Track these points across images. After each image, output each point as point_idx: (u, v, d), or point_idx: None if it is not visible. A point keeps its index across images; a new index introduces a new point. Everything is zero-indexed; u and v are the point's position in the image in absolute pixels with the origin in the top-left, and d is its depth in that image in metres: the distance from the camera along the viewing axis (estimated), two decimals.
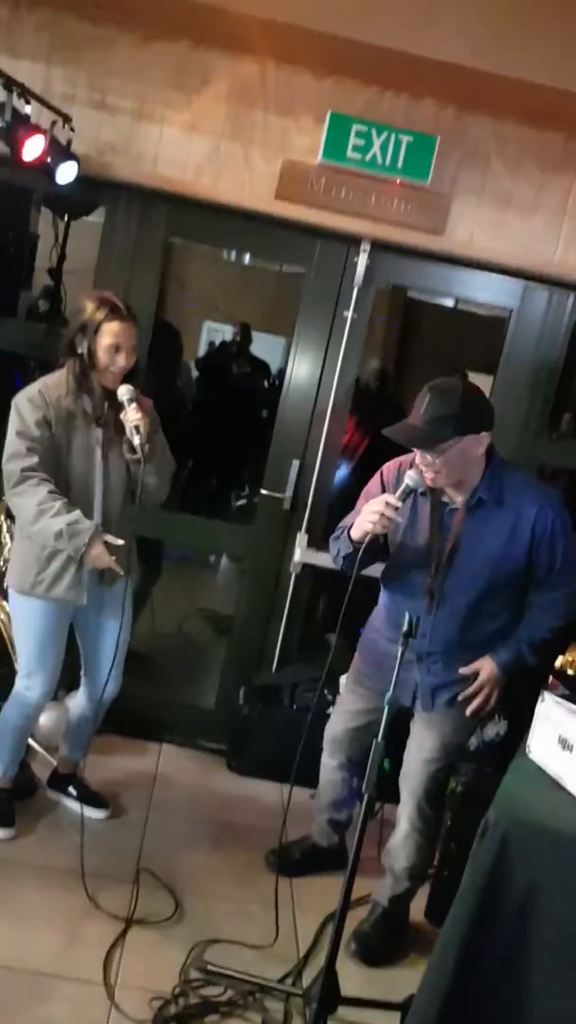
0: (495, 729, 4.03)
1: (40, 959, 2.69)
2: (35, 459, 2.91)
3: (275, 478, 4.12)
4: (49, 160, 3.40)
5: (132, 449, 2.93)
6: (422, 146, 3.63)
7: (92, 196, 3.97)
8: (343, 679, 4.01)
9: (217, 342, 7.52)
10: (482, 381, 5.65)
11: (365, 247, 3.89)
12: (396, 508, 2.64)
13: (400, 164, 3.65)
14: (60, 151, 3.44)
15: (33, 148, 3.29)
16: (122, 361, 2.94)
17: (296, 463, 4.08)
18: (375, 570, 3.04)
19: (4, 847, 3.17)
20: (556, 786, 2.24)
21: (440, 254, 3.86)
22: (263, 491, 4.14)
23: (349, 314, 3.96)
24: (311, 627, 4.37)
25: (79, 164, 3.51)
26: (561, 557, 2.76)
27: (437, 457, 2.61)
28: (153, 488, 3.09)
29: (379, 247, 3.90)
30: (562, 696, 2.39)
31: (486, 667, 2.84)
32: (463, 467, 2.68)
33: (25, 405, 2.94)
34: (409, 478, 2.67)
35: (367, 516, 2.65)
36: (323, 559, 4.07)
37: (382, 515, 2.62)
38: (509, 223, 3.78)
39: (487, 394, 4.12)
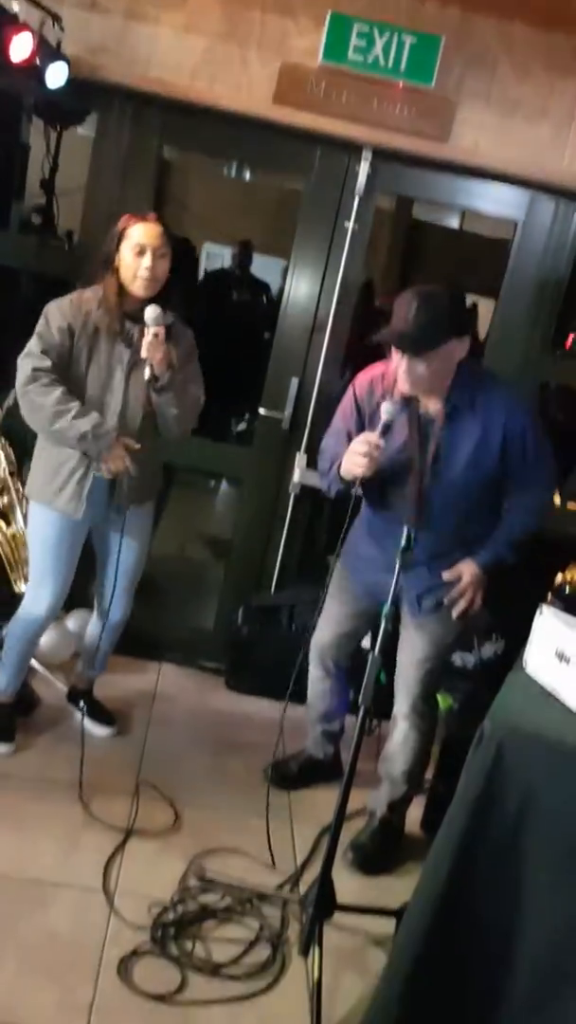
0: (492, 648, 4.05)
1: (40, 868, 2.72)
2: (48, 362, 2.89)
3: (274, 397, 4.06)
4: (38, 61, 3.28)
5: (152, 377, 2.89)
6: (426, 47, 3.50)
7: (84, 102, 3.84)
8: None
9: (217, 264, 7.37)
10: (485, 305, 5.59)
11: (367, 154, 3.77)
12: (379, 446, 2.63)
13: (403, 67, 3.52)
14: (49, 52, 3.33)
15: (21, 47, 3.17)
16: (148, 262, 2.87)
17: (295, 381, 4.01)
18: None
19: (5, 761, 3.20)
20: (552, 698, 2.23)
21: (444, 162, 3.74)
22: (262, 411, 4.08)
23: (350, 224, 3.85)
24: (310, 548, 4.35)
25: (69, 66, 3.38)
26: (532, 453, 2.78)
27: (426, 365, 2.61)
28: (172, 421, 3.01)
29: (381, 155, 3.77)
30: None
31: (467, 569, 2.87)
32: (444, 372, 2.69)
33: (53, 311, 2.94)
34: (386, 412, 2.64)
35: (353, 460, 2.65)
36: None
37: (369, 457, 2.61)
38: (516, 130, 3.64)
39: (490, 316, 4.09)
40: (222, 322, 6.36)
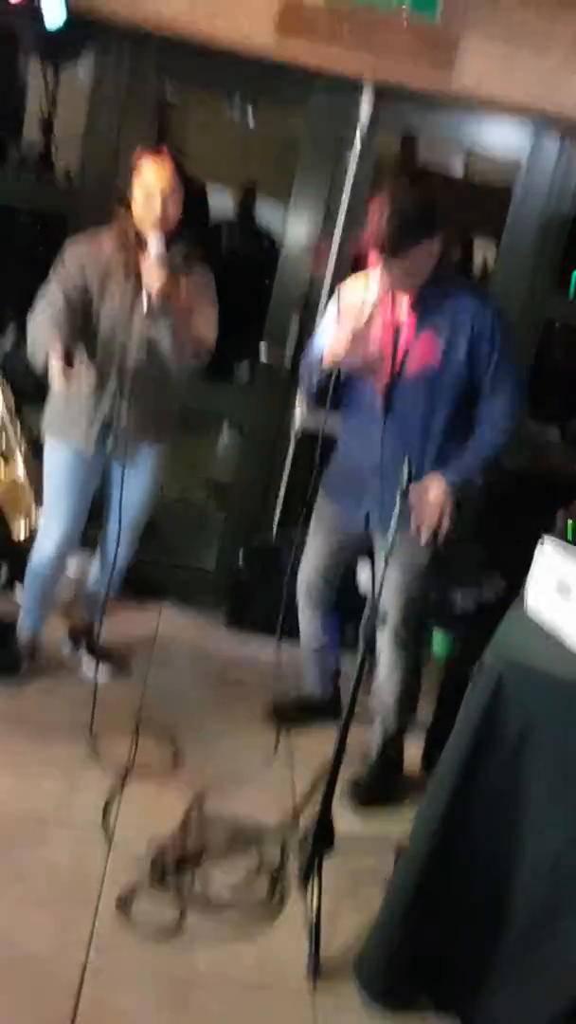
0: (492, 589, 4.04)
1: (41, 807, 2.73)
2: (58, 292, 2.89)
3: (276, 337, 4.01)
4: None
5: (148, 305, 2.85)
6: None
7: (82, 37, 3.74)
8: None
9: (218, 205, 7.26)
10: (489, 246, 5.48)
11: (369, 90, 3.68)
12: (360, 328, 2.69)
13: None
14: None
15: None
16: (156, 204, 2.83)
17: (296, 318, 3.96)
18: None
19: (5, 702, 3.20)
20: (552, 633, 2.22)
21: (447, 96, 3.64)
22: (263, 349, 4.03)
23: (354, 157, 3.77)
24: (312, 491, 4.32)
25: (67, 2, 3.29)
26: (498, 355, 2.80)
27: (403, 263, 2.66)
28: (166, 352, 2.95)
29: (384, 91, 3.68)
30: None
31: (435, 485, 2.83)
32: (418, 272, 2.74)
33: (68, 251, 2.96)
34: (368, 293, 2.72)
35: (335, 343, 2.73)
36: (319, 420, 3.98)
37: (351, 334, 2.69)
38: (521, 60, 3.54)
39: (494, 257, 4.03)
40: (225, 267, 6.29)
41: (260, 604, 4.01)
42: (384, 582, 2.94)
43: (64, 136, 4.54)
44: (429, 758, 3.26)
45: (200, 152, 6.90)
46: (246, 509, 4.28)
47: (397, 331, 2.82)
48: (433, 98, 3.67)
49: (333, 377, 2.77)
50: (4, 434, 3.59)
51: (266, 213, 6.62)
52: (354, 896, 2.63)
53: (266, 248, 6.65)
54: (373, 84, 3.66)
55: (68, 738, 3.07)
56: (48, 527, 3.20)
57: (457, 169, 7.09)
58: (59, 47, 4.16)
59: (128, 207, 2.89)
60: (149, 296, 2.81)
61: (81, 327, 2.89)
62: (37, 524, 3.53)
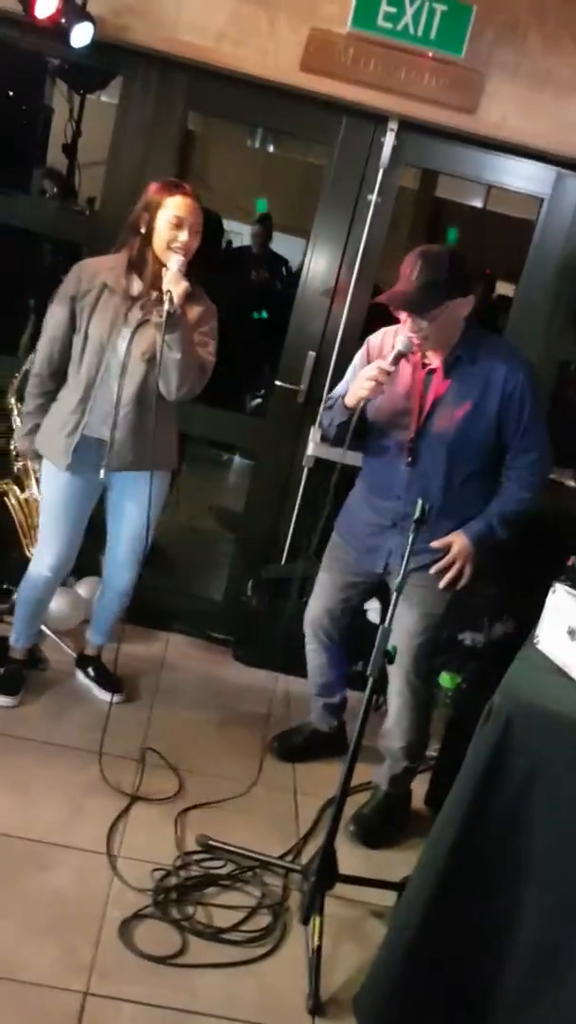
0: (502, 628, 4.03)
1: (44, 830, 2.72)
2: (51, 353, 3.07)
3: (290, 370, 4.04)
4: (63, 20, 3.25)
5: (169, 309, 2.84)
6: (457, 16, 3.45)
7: (109, 64, 3.81)
8: None
9: (236, 242, 7.32)
10: (506, 290, 5.50)
11: (392, 125, 3.72)
12: (388, 372, 2.71)
13: (433, 35, 3.47)
14: (75, 10, 3.29)
15: (46, 5, 3.15)
16: (184, 236, 2.88)
17: (312, 355, 3.98)
18: None
19: (10, 721, 3.19)
20: (563, 674, 2.21)
21: (471, 135, 3.69)
22: (278, 383, 4.06)
23: (373, 198, 3.81)
24: (323, 523, 4.32)
25: (95, 26, 3.34)
26: (528, 416, 2.81)
27: (430, 323, 2.68)
28: (172, 368, 2.91)
29: (407, 127, 3.73)
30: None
31: (458, 540, 2.87)
32: (449, 330, 2.76)
33: (72, 270, 3.04)
34: (400, 343, 2.74)
35: (361, 383, 2.74)
36: (336, 453, 3.99)
37: (376, 380, 2.70)
38: (545, 104, 3.59)
39: (511, 293, 4.05)
40: (240, 298, 6.33)
41: (268, 635, 4.01)
42: (397, 625, 2.96)
43: (87, 163, 4.59)
44: (435, 796, 3.23)
45: (220, 182, 7.00)
46: (256, 539, 4.28)
47: (425, 387, 2.83)
48: (456, 135, 3.71)
49: (354, 417, 2.79)
50: (21, 455, 3.62)
51: (282, 245, 6.68)
52: (356, 931, 2.61)
53: (283, 279, 6.71)
54: (397, 119, 3.69)
55: (74, 762, 3.06)
56: (42, 550, 3.22)
57: (477, 202, 7.16)
58: (85, 73, 4.23)
59: (140, 235, 2.92)
60: (170, 301, 2.80)
61: (63, 348, 3.05)
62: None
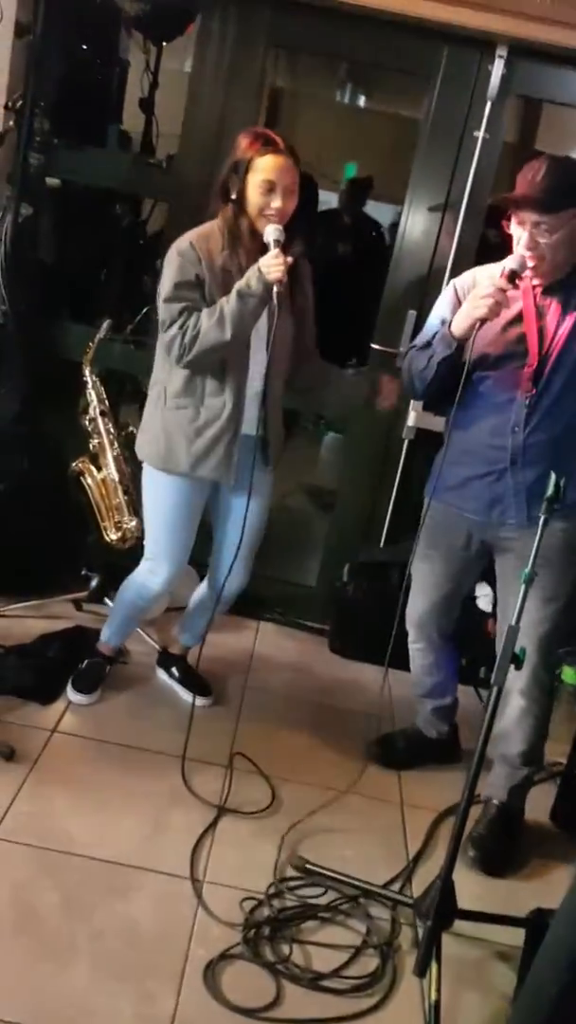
0: None
1: (121, 848, 2.43)
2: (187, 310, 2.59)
3: (388, 332, 3.66)
4: None
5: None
6: None
7: (185, 3, 3.48)
8: None
9: (323, 208, 6.97)
10: None
11: (501, 51, 3.30)
12: (504, 291, 2.39)
13: None
14: None
15: None
16: (278, 202, 2.51)
17: (412, 314, 3.59)
18: None
19: (88, 724, 2.93)
20: None
21: None
22: (374, 346, 3.69)
23: (480, 134, 3.39)
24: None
25: None
26: None
27: (550, 235, 2.37)
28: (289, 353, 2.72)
29: (518, 52, 3.30)
30: None
31: None
32: (570, 251, 2.44)
33: (175, 262, 2.60)
34: (513, 261, 2.42)
35: (474, 304, 2.41)
36: (440, 423, 3.62)
37: (493, 299, 2.37)
38: None
39: None
40: (332, 262, 6.01)
41: (366, 624, 3.66)
42: (512, 607, 2.58)
43: (165, 117, 4.29)
44: (563, 810, 2.85)
45: (306, 142, 6.63)
46: (352, 519, 3.93)
47: (541, 308, 2.49)
48: (574, 59, 3.27)
49: (470, 345, 2.45)
50: (96, 432, 3.36)
51: (373, 208, 6.32)
52: (478, 977, 2.26)
53: (376, 241, 6.33)
54: (507, 43, 3.27)
55: (156, 769, 2.78)
56: (158, 568, 2.89)
57: None
58: (161, 19, 3.92)
59: (235, 200, 2.56)
60: (274, 291, 2.48)
61: None
62: (128, 531, 3.28)
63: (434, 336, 2.57)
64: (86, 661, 3.11)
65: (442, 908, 2.09)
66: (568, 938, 1.77)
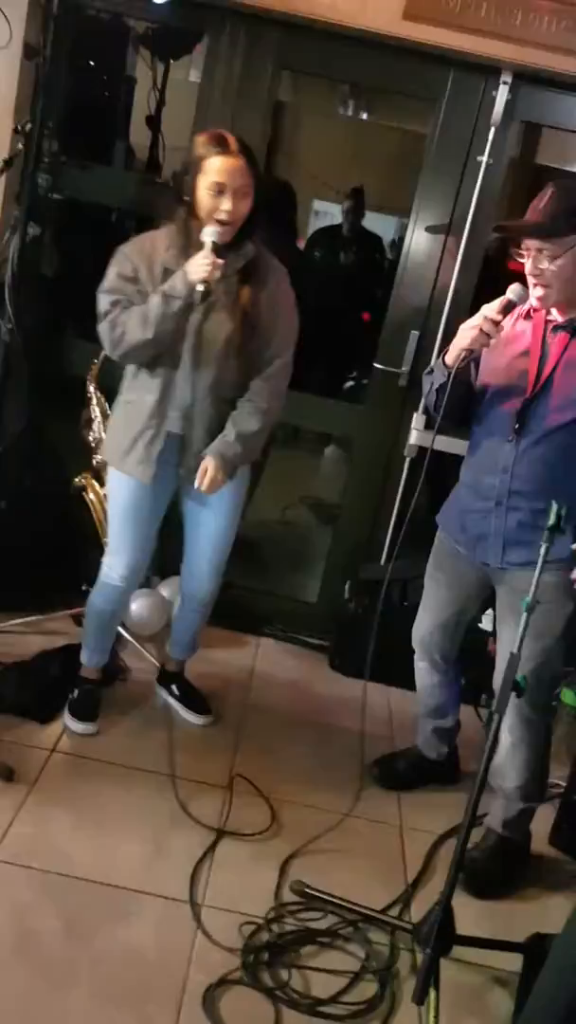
0: None
1: (121, 872, 2.44)
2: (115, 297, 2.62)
3: (391, 352, 3.68)
4: None
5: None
6: None
7: (192, 23, 3.50)
8: None
9: (326, 222, 6.98)
10: None
11: (506, 77, 3.32)
12: (495, 322, 2.33)
13: None
14: None
15: None
16: (228, 204, 2.48)
17: (415, 335, 3.61)
18: None
19: (87, 744, 2.93)
20: None
21: None
22: (377, 365, 3.70)
23: (484, 159, 3.41)
24: (427, 517, 3.96)
25: None
26: None
27: (551, 262, 2.29)
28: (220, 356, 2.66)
29: (522, 78, 3.33)
30: None
31: None
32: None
33: (119, 256, 2.64)
34: (511, 292, 2.35)
35: (463, 333, 2.38)
36: (442, 442, 3.62)
37: (480, 329, 2.33)
38: None
39: None
40: (332, 278, 6.03)
41: (367, 642, 3.67)
42: (504, 647, 2.59)
43: (171, 131, 4.31)
44: (562, 835, 2.86)
45: (309, 158, 6.65)
46: (354, 535, 3.94)
47: (545, 346, 2.43)
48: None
49: (451, 378, 2.40)
50: (100, 448, 3.37)
51: (376, 224, 6.33)
52: (477, 1003, 2.27)
53: (377, 258, 6.35)
54: (511, 70, 3.29)
55: (155, 790, 2.78)
56: (113, 563, 2.91)
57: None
58: (168, 36, 3.95)
59: (188, 205, 2.54)
60: (196, 289, 2.47)
61: None
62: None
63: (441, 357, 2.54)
64: (76, 691, 3.05)
65: (441, 935, 2.09)
66: (569, 965, 1.79)
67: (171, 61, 4.29)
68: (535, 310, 2.44)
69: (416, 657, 2.94)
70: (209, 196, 2.49)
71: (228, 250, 2.56)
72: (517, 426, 2.43)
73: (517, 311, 2.45)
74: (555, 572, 2.35)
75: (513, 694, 2.17)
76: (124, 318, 2.58)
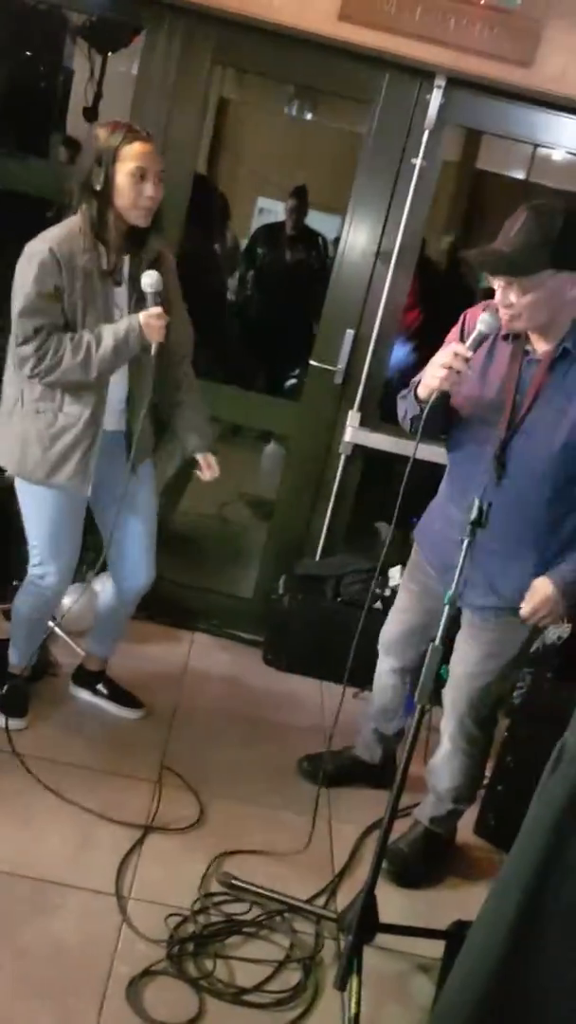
0: (556, 632, 3.68)
1: (47, 865, 2.43)
2: (39, 321, 2.53)
3: (327, 349, 3.71)
4: None
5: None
6: None
7: (130, 16, 3.50)
8: (393, 571, 3.67)
9: (270, 220, 7.00)
10: None
11: (440, 81, 3.36)
12: (466, 359, 2.20)
13: None
14: None
15: None
16: (150, 191, 2.49)
17: (350, 333, 3.65)
18: (434, 454, 2.62)
19: (18, 737, 2.90)
20: None
21: (526, 91, 3.32)
22: (313, 362, 3.74)
23: (418, 162, 3.46)
24: (360, 514, 4.01)
25: None
26: None
27: (521, 295, 2.15)
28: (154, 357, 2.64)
29: (456, 83, 3.37)
30: None
31: (540, 589, 2.36)
32: (552, 310, 2.20)
33: (32, 271, 2.49)
34: (482, 322, 2.21)
35: (432, 370, 2.23)
36: (376, 440, 3.69)
37: (449, 368, 2.19)
38: None
39: None
40: (273, 276, 6.05)
41: (301, 637, 3.71)
42: (456, 659, 2.62)
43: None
44: (485, 824, 2.92)
45: (253, 157, 6.67)
46: (288, 531, 3.97)
47: (523, 379, 2.32)
48: (509, 92, 3.35)
49: (425, 412, 2.26)
50: None
51: (321, 223, 6.36)
52: (399, 989, 2.31)
53: (317, 256, 6.38)
54: (445, 74, 3.34)
55: (83, 785, 2.77)
56: (46, 571, 2.83)
57: (519, 173, 6.76)
58: (107, 29, 3.93)
59: (99, 193, 2.49)
60: (152, 348, 2.55)
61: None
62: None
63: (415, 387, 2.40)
64: (5, 687, 3.00)
65: (363, 922, 2.13)
66: (483, 948, 1.82)
67: (109, 54, 4.27)
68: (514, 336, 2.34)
69: (380, 656, 2.91)
70: (131, 183, 2.48)
71: (146, 238, 2.59)
72: (493, 466, 2.34)
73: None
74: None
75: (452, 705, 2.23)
76: (55, 347, 2.52)
